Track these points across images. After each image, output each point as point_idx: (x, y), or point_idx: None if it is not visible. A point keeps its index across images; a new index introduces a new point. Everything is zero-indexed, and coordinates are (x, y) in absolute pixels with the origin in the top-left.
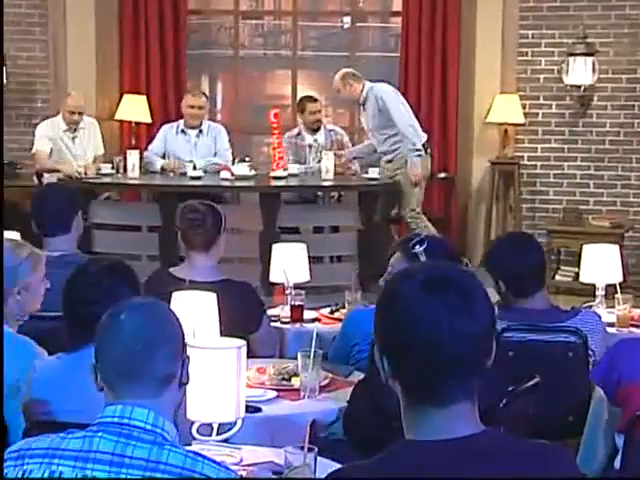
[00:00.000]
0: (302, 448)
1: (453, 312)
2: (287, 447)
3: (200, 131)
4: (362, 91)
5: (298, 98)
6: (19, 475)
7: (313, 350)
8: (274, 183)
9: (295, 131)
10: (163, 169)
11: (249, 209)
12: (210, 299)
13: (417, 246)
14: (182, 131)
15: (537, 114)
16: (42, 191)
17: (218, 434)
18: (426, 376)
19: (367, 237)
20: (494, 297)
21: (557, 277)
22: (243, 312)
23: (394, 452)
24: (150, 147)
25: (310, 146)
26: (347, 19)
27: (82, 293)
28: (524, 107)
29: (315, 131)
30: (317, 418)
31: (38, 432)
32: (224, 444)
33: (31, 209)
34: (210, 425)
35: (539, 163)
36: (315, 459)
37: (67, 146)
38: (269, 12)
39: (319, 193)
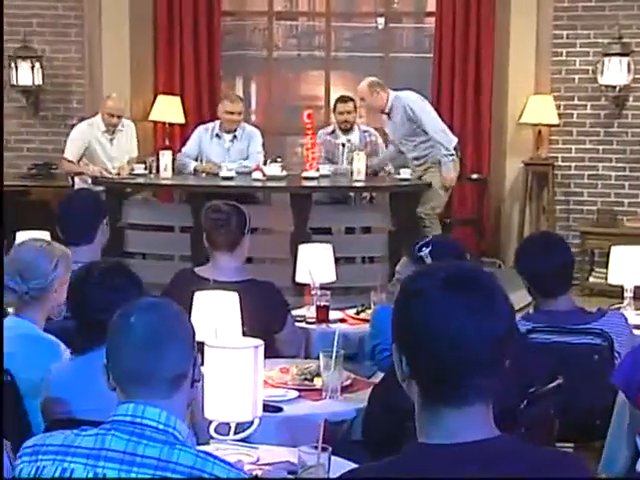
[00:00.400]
0: (316, 448)
1: (472, 311)
2: (301, 447)
3: (235, 136)
4: (387, 100)
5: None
6: (32, 471)
7: (335, 350)
8: (305, 184)
9: (330, 129)
10: (196, 170)
11: (280, 209)
12: (232, 299)
13: (423, 248)
14: (217, 135)
15: (572, 115)
16: (68, 199)
17: (235, 433)
18: (443, 375)
19: (398, 238)
20: (526, 299)
21: (591, 279)
22: (267, 312)
23: (405, 455)
24: (184, 149)
25: (343, 145)
26: (381, 20)
27: (89, 296)
28: (558, 108)
29: (347, 131)
30: (334, 419)
31: (54, 429)
32: (241, 443)
33: (57, 215)
34: (228, 424)
35: (573, 164)
36: (329, 459)
37: (104, 148)
38: (303, 13)
39: (350, 194)
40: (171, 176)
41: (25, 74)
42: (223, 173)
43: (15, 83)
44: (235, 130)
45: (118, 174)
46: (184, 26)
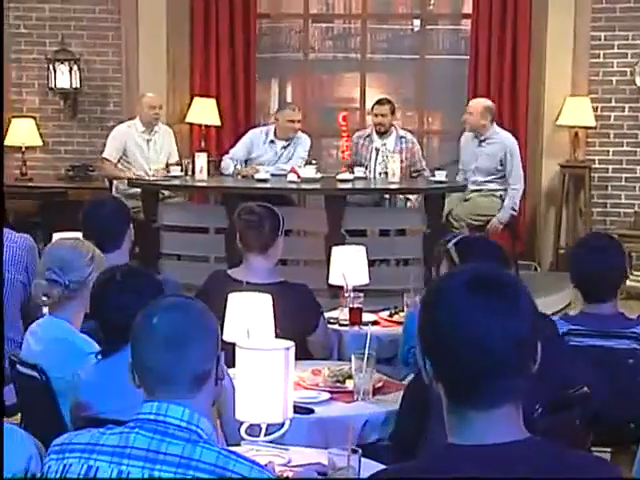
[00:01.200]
0: (346, 450)
1: (496, 312)
2: (331, 449)
3: (288, 144)
4: (489, 129)
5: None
6: (59, 469)
7: (367, 352)
8: (340, 186)
9: (366, 132)
10: (236, 174)
11: (315, 212)
12: (265, 300)
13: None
14: (271, 141)
15: (609, 117)
16: (93, 207)
17: (266, 435)
18: (467, 378)
19: (433, 240)
20: (564, 301)
21: (628, 282)
22: (300, 314)
23: (434, 455)
24: (231, 151)
25: (377, 150)
26: (417, 21)
27: (111, 300)
28: (595, 110)
29: (383, 134)
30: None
31: (91, 425)
32: (272, 445)
33: (82, 222)
34: (258, 426)
35: (610, 166)
36: (359, 461)
37: (141, 149)
38: (339, 15)
39: (385, 196)
40: (207, 178)
41: (63, 77)
42: (258, 175)
43: (53, 86)
44: (292, 137)
45: (154, 176)
46: (220, 29)
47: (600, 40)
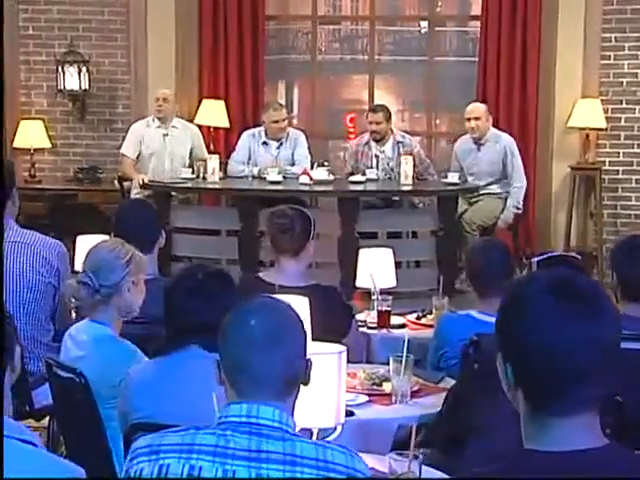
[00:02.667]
0: (407, 455)
1: (579, 319)
2: (391, 454)
3: (281, 143)
4: (487, 132)
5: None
6: (156, 469)
7: (405, 355)
8: (352, 187)
9: (365, 139)
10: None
11: (328, 214)
12: (302, 304)
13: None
14: (264, 142)
15: (619, 119)
16: (126, 210)
17: (317, 439)
18: (551, 385)
19: (446, 242)
20: None
21: None
22: (332, 317)
23: (512, 461)
24: (234, 157)
25: (377, 156)
26: (424, 23)
27: (185, 301)
28: (606, 111)
29: (380, 142)
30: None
31: (135, 433)
32: None
33: (115, 225)
34: (310, 430)
35: (621, 168)
36: (420, 466)
37: (158, 142)
38: (346, 17)
39: (395, 198)
40: (218, 180)
41: (72, 79)
42: (270, 177)
43: (62, 88)
44: (281, 137)
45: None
46: (229, 30)
47: (611, 42)
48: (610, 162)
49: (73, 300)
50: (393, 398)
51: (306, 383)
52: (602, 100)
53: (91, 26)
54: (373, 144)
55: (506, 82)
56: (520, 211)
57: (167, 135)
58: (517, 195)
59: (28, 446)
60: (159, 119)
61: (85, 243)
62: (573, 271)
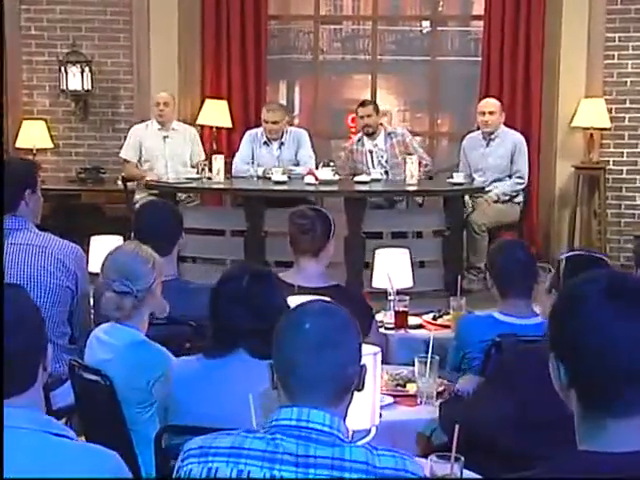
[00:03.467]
0: (448, 458)
1: (634, 318)
2: (432, 456)
3: (282, 143)
4: (499, 128)
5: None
6: (204, 471)
7: (430, 356)
8: (358, 187)
9: (357, 137)
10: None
11: (334, 214)
12: None
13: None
14: (265, 142)
15: (623, 118)
16: (147, 211)
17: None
18: (607, 386)
19: (452, 242)
20: None
21: None
22: (353, 317)
23: (564, 462)
24: (237, 157)
25: (370, 152)
26: (426, 23)
27: (230, 307)
28: (610, 111)
29: (372, 136)
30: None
31: (173, 433)
32: None
33: (135, 225)
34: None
35: (625, 168)
36: (461, 469)
37: (158, 146)
38: (348, 17)
39: (397, 198)
40: (223, 180)
41: (75, 79)
42: (275, 177)
43: (65, 88)
44: (282, 136)
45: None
46: (231, 30)
47: (614, 41)
48: (614, 162)
49: (116, 311)
50: (418, 399)
51: (360, 389)
52: (606, 100)
53: (94, 26)
54: (366, 140)
55: (509, 82)
56: (504, 198)
57: (167, 137)
58: (510, 187)
59: (64, 439)
60: (159, 123)
61: (99, 244)
62: (623, 271)
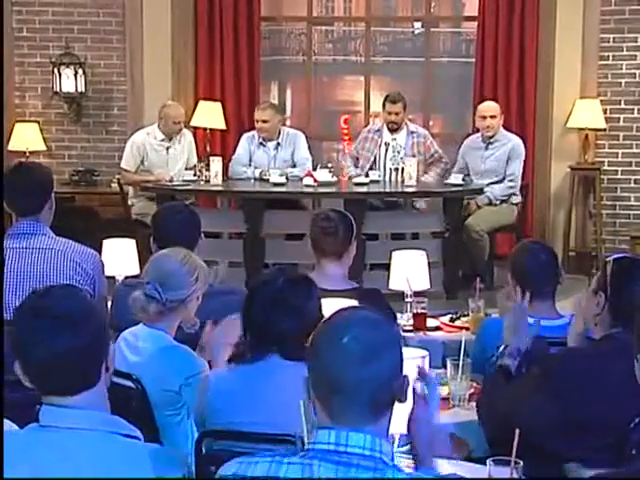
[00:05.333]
0: (505, 462)
1: None
2: (490, 460)
3: (278, 144)
4: (498, 132)
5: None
6: None
7: (461, 359)
8: (357, 189)
9: (376, 127)
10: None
11: None
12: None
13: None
14: (261, 143)
15: (618, 119)
16: (167, 214)
17: (399, 446)
18: None
19: (452, 244)
20: None
21: None
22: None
23: None
24: (234, 159)
25: (387, 144)
26: (418, 24)
27: (265, 311)
28: (605, 112)
29: (395, 131)
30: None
31: (213, 440)
32: (405, 456)
33: (154, 229)
34: (392, 436)
35: (620, 168)
36: (521, 473)
37: (160, 156)
38: (341, 18)
39: (391, 198)
40: (221, 182)
41: (69, 81)
42: (273, 179)
43: (58, 90)
44: (278, 137)
45: (171, 180)
46: (225, 32)
47: (609, 42)
48: (609, 162)
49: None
50: (451, 402)
51: (402, 401)
52: (601, 100)
53: (86, 27)
54: (385, 132)
55: (504, 83)
56: (495, 202)
57: (170, 147)
58: (501, 191)
59: (133, 440)
60: (167, 134)
61: (111, 246)
62: None
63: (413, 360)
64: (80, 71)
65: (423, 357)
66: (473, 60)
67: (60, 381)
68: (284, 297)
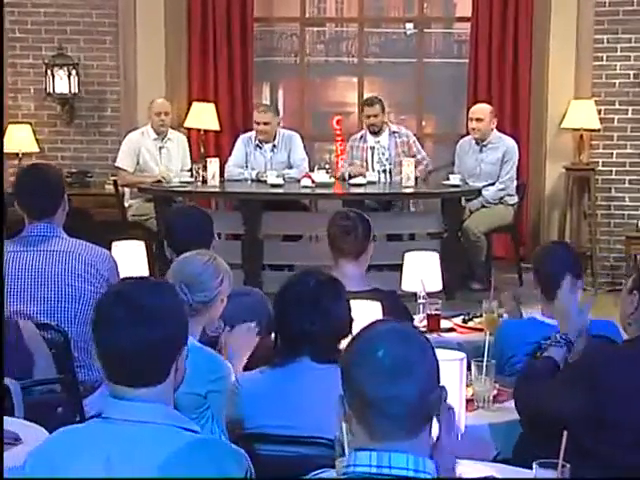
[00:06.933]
0: (552, 465)
1: None
2: (538, 461)
3: (274, 146)
4: (491, 134)
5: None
6: None
7: (485, 360)
8: (353, 190)
9: (359, 134)
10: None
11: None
12: (374, 309)
13: None
14: (258, 146)
15: (612, 119)
16: (180, 217)
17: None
18: None
19: (450, 244)
20: None
21: None
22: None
23: None
24: (232, 161)
25: (372, 148)
26: (409, 25)
27: (297, 312)
28: (599, 112)
29: (376, 134)
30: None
31: (244, 445)
32: None
33: (166, 231)
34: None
35: (614, 169)
36: (568, 476)
37: (154, 156)
38: (333, 19)
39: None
40: (219, 184)
41: (62, 82)
42: (270, 180)
43: (52, 91)
44: (274, 139)
45: (168, 182)
46: (218, 33)
47: (603, 43)
48: (604, 163)
49: None
50: (475, 403)
51: (439, 414)
52: (595, 101)
53: (79, 28)
54: (369, 137)
55: (498, 83)
56: (487, 204)
57: (163, 148)
58: (492, 194)
59: (191, 434)
60: (158, 132)
61: (120, 249)
62: None
63: (452, 362)
64: (73, 72)
65: (461, 359)
66: (466, 61)
67: (130, 372)
68: (316, 299)
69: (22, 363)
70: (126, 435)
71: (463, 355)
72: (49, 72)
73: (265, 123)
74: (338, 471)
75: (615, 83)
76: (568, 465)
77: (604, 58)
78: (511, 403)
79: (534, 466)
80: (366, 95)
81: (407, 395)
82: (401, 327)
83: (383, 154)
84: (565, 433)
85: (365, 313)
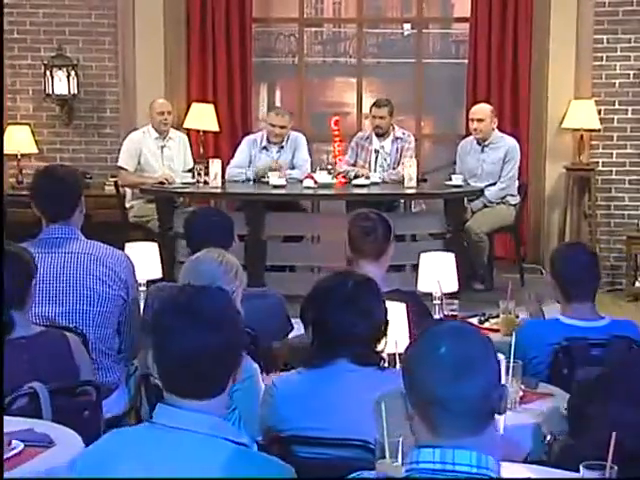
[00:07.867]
0: (599, 467)
1: None
2: (585, 463)
3: (281, 147)
4: (492, 134)
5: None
6: None
7: (512, 361)
8: (356, 191)
9: (366, 134)
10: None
11: (334, 218)
12: (399, 310)
13: None
14: (264, 147)
15: (612, 119)
16: (198, 217)
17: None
18: None
19: (453, 245)
20: None
21: (637, 284)
22: (414, 322)
23: None
24: (234, 163)
25: (377, 152)
26: (407, 26)
27: (337, 314)
28: (599, 113)
29: (382, 137)
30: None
31: (279, 447)
32: None
33: (186, 232)
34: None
35: (614, 169)
36: (616, 477)
37: (155, 155)
38: (332, 20)
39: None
40: (220, 185)
41: (61, 83)
42: (272, 181)
43: (51, 92)
44: (282, 141)
45: (170, 183)
46: (217, 33)
47: (603, 43)
48: (604, 163)
49: None
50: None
51: (501, 412)
52: (595, 101)
53: (78, 29)
54: (374, 139)
55: (497, 84)
56: (488, 205)
57: (165, 147)
58: (492, 195)
59: (237, 446)
60: (160, 132)
61: (133, 251)
62: None
63: None
64: (72, 73)
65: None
66: (464, 61)
67: (189, 381)
68: (355, 300)
69: (73, 373)
70: (169, 441)
71: (500, 357)
72: (48, 73)
73: (282, 127)
74: (378, 473)
75: (615, 83)
76: (615, 467)
77: (604, 58)
78: (537, 405)
79: (581, 468)
80: (365, 95)
81: (470, 392)
82: (461, 325)
83: (385, 159)
84: (614, 434)
85: (391, 314)
